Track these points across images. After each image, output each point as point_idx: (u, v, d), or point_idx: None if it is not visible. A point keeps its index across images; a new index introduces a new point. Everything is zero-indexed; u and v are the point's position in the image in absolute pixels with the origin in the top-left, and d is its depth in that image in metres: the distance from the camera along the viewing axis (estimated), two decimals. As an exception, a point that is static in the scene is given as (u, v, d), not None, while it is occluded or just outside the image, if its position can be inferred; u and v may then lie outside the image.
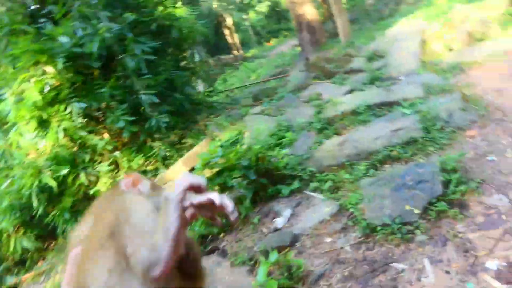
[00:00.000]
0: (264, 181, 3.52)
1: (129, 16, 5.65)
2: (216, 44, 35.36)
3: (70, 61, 5.88)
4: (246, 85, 12.57)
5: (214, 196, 0.83)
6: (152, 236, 0.81)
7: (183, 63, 7.25)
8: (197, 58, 24.43)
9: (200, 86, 20.63)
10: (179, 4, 13.93)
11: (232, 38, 34.01)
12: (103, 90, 5.64)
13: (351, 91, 5.48)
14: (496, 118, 3.31)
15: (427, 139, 3.29)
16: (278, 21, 40.40)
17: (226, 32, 33.84)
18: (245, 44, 42.08)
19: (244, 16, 37.79)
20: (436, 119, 3.51)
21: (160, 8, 7.44)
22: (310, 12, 15.08)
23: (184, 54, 7.36)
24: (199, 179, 0.84)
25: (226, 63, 27.87)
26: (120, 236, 0.82)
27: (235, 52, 33.44)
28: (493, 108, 3.48)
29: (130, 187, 0.96)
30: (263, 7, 37.81)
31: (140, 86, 5.81)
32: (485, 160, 2.76)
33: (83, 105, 5.61)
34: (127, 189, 0.96)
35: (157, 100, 5.66)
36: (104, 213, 0.89)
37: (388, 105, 4.60)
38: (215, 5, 27.37)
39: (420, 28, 6.82)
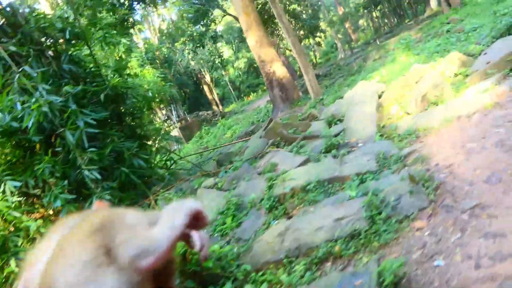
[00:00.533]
0: (191, 285, 2.98)
1: (68, 89, 5.31)
2: (197, 100, 35.79)
3: (6, 136, 5.46)
4: (213, 148, 12.22)
5: (198, 237, 1.01)
6: (146, 231, 0.80)
7: (139, 131, 6.82)
8: (174, 116, 24.14)
9: (174, 146, 20.06)
10: (148, 67, 13.99)
11: (212, 94, 34.43)
12: (40, 166, 5.18)
13: (305, 162, 5.11)
14: (446, 204, 2.92)
15: (371, 231, 2.85)
16: (257, 76, 41.45)
17: (206, 88, 34.31)
18: (225, 99, 42.70)
19: (223, 73, 38.65)
20: (383, 205, 3.11)
21: (115, 76, 7.20)
22: (279, 70, 15.24)
23: (140, 121, 6.94)
24: (207, 217, 0.95)
25: (204, 119, 27.88)
26: (108, 231, 0.80)
27: (215, 107, 33.74)
28: (444, 191, 3.11)
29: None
30: (241, 63, 38.84)
31: (83, 160, 5.34)
32: (432, 265, 2.32)
33: (17, 184, 5.12)
34: None
35: (99, 176, 5.17)
36: (87, 217, 0.86)
37: (340, 181, 4.22)
38: (192, 63, 27.84)
39: (377, 89, 6.68)
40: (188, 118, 24.46)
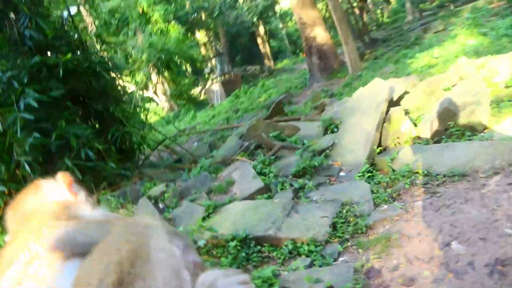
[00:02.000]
0: None
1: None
2: (251, 53, 34.14)
3: None
4: (195, 132, 11.00)
5: None
6: None
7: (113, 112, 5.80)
8: (218, 70, 22.97)
9: (214, 100, 19.16)
10: (173, 23, 12.78)
11: (265, 47, 32.55)
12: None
13: (260, 192, 3.88)
14: None
15: None
16: (316, 31, 38.27)
17: (260, 41, 32.41)
18: (281, 53, 40.42)
19: (281, 25, 36.15)
20: None
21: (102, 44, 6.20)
22: (321, 35, 13.25)
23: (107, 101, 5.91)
24: None
25: (251, 74, 26.44)
26: (130, 273, 0.64)
27: (267, 61, 31.98)
28: None
29: (67, 187, 0.97)
30: (300, 17, 35.88)
31: (19, 148, 4.60)
32: None
33: None
34: (65, 189, 0.97)
35: (28, 169, 4.43)
36: (113, 243, 0.69)
37: (272, 243, 2.99)
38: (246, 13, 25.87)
39: (392, 92, 4.95)
40: (232, 73, 23.17)
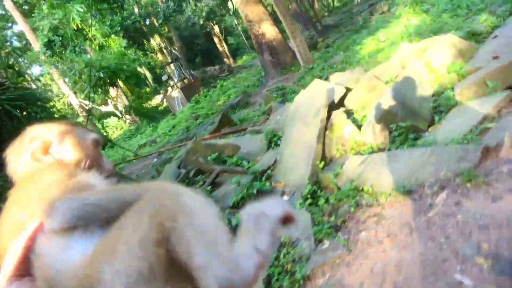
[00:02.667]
0: None
1: None
2: (211, 53, 33.27)
3: None
4: (159, 151, 10.37)
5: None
6: (227, 249, 0.60)
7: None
8: (176, 76, 21.80)
9: (176, 107, 18.19)
10: (113, 36, 11.92)
11: (222, 46, 31.82)
12: None
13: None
14: None
15: None
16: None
17: (216, 40, 31.66)
18: (240, 49, 39.73)
19: (236, 22, 35.46)
20: None
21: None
22: (269, 31, 12.72)
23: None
24: (294, 216, 0.68)
25: (211, 75, 25.70)
26: (178, 243, 0.58)
27: (226, 60, 31.30)
28: None
29: (40, 156, 0.78)
30: (254, 11, 35.24)
31: None
32: None
33: None
34: (38, 157, 0.78)
35: None
36: (149, 207, 0.62)
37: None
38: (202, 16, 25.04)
39: (329, 97, 4.47)
40: (191, 77, 22.34)
